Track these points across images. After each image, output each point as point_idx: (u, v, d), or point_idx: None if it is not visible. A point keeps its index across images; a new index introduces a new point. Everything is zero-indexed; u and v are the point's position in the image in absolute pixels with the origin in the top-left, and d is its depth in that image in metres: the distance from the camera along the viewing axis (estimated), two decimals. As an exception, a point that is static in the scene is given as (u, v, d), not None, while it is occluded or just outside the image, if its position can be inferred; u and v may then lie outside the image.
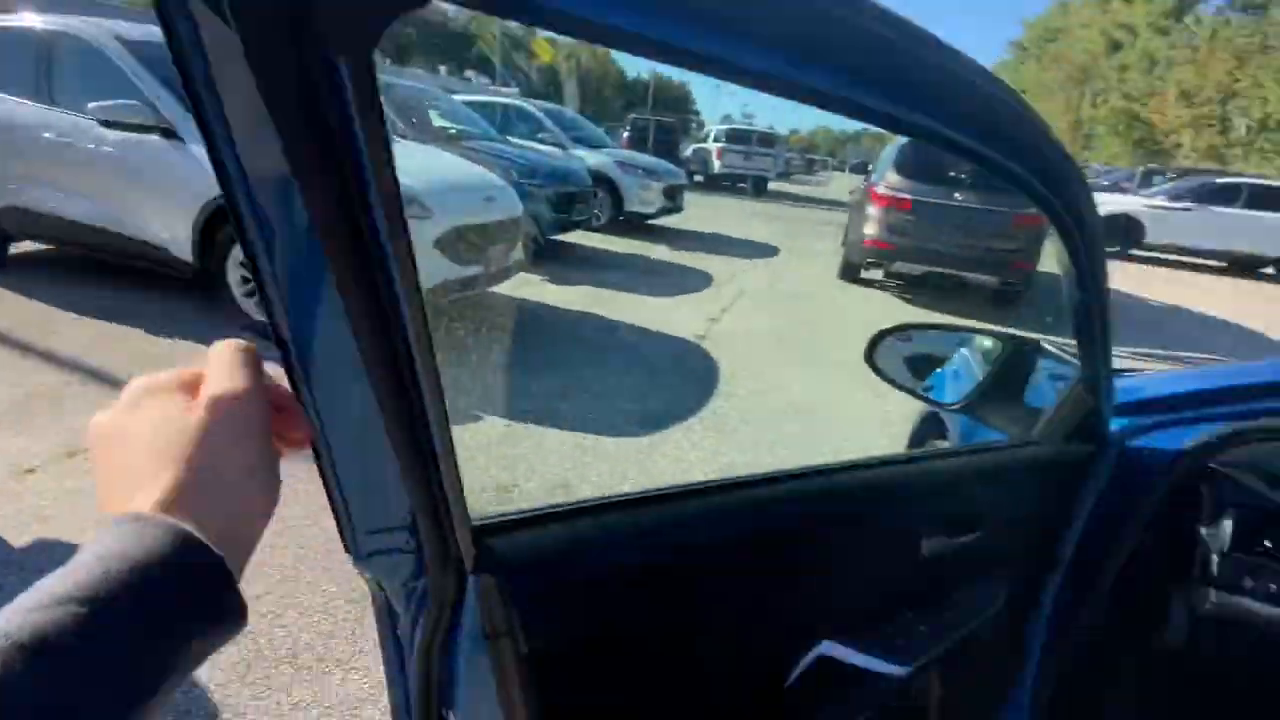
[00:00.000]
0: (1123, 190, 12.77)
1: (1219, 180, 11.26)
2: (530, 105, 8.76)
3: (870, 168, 7.42)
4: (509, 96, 11.05)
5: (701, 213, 10.13)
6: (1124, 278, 9.02)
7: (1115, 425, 0.89)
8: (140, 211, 3.56)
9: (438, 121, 6.39)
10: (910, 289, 6.44)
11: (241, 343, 0.33)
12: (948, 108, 0.48)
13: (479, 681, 0.44)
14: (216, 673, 1.54)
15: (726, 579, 0.59)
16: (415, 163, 4.06)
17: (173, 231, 3.47)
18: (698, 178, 16.49)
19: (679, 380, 3.74)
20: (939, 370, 1.28)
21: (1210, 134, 23.62)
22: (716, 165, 16.45)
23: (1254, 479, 0.89)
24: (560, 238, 6.66)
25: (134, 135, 3.43)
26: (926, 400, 1.15)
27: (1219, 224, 10.49)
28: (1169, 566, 0.91)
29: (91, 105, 3.45)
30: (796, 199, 17.11)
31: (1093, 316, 0.75)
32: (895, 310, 5.88)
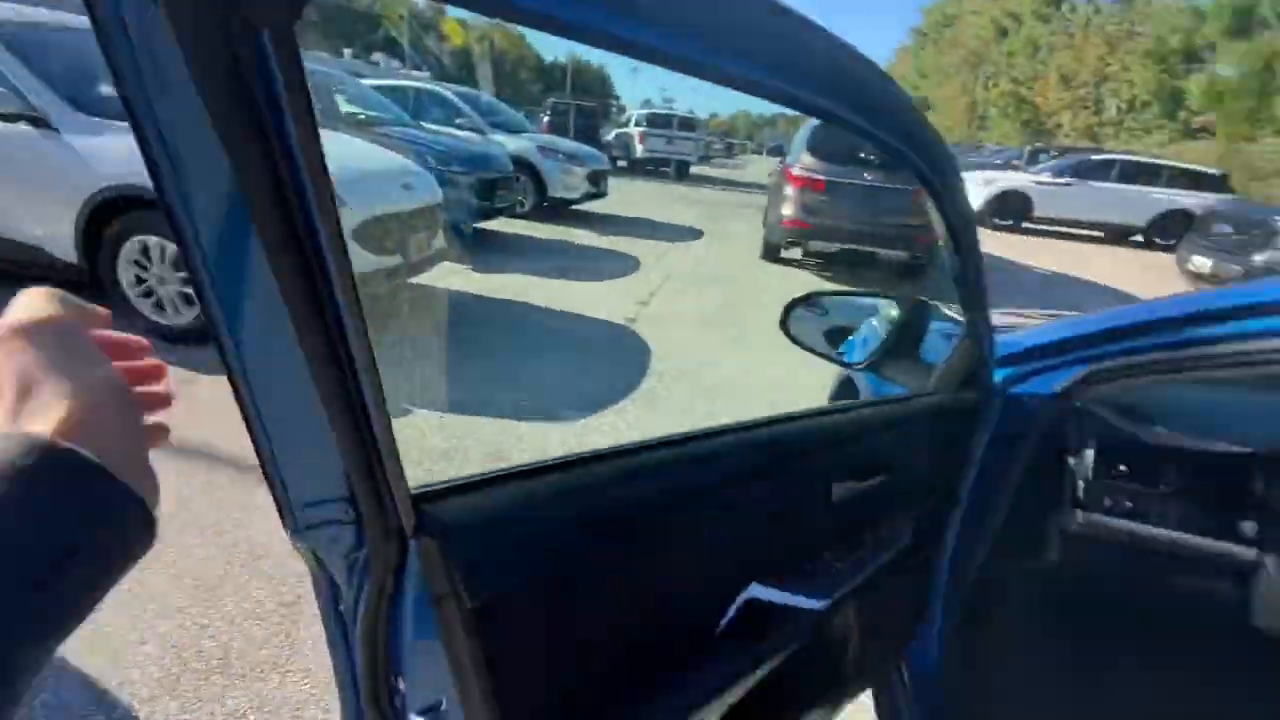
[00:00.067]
0: (1014, 168, 13.74)
1: (1094, 157, 12.34)
2: (444, 89, 8.47)
3: (786, 150, 7.65)
4: (420, 80, 10.63)
5: (626, 197, 10.15)
6: (1015, 249, 9.78)
7: (999, 375, 0.99)
8: (10, 209, 3.22)
9: (345, 107, 6.09)
10: (828, 266, 6.73)
11: (46, 289, 0.35)
12: (833, 88, 0.53)
13: (426, 643, 0.45)
14: (140, 689, 1.47)
15: (659, 533, 0.61)
16: (325, 150, 3.86)
17: (50, 230, 3.16)
18: (621, 162, 16.45)
19: (611, 364, 3.78)
20: (850, 338, 1.38)
21: (1086, 115, 25.80)
22: (639, 150, 16.47)
23: (1109, 412, 1.02)
24: (484, 225, 6.52)
25: (-3, 125, 3.09)
26: (837, 361, 1.24)
27: (1096, 197, 11.52)
28: (1046, 495, 1.03)
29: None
30: (718, 182, 17.40)
31: (969, 278, 0.82)
32: (814, 287, 6.14)
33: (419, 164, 4.42)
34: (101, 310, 0.37)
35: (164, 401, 0.40)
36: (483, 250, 5.98)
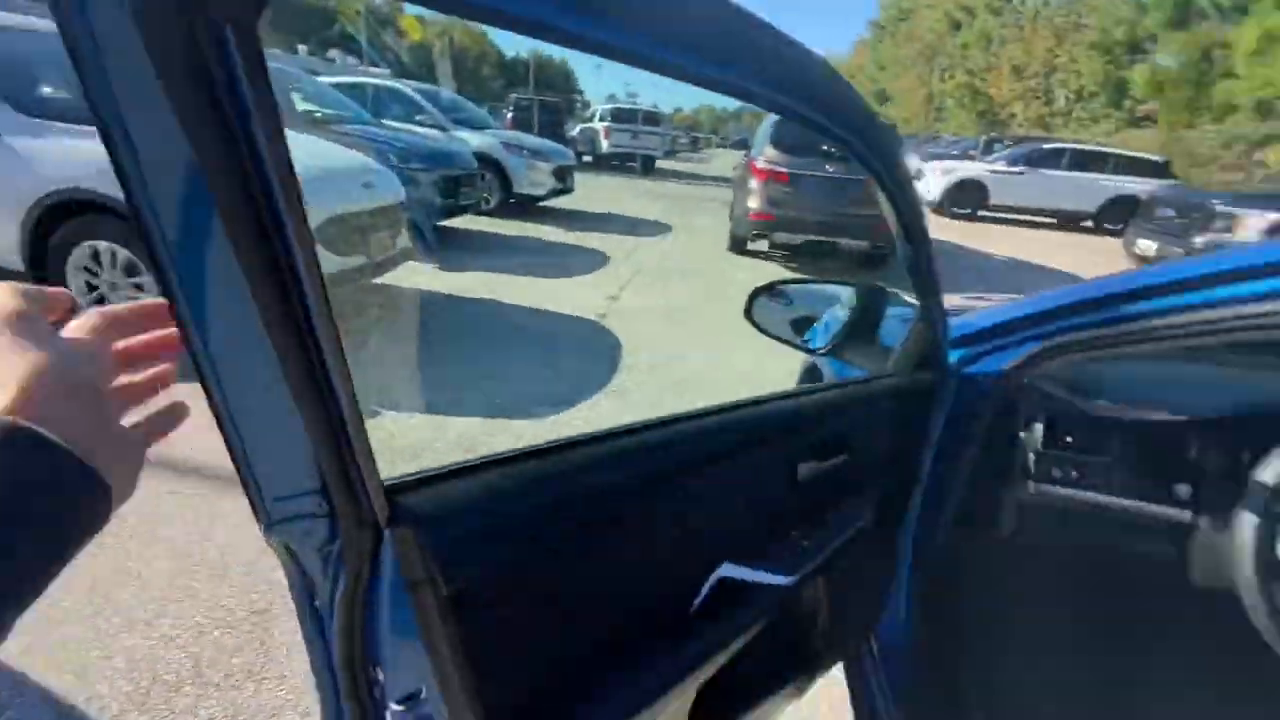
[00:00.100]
0: (970, 158, 14.09)
1: (1045, 146, 12.74)
2: (404, 86, 8.33)
3: (750, 144, 7.72)
4: (379, 77, 10.41)
5: (592, 193, 10.12)
6: (974, 237, 10.06)
7: (954, 355, 1.04)
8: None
9: (302, 105, 5.94)
10: (794, 257, 6.83)
11: (2, 284, 0.35)
12: (782, 83, 0.56)
13: (403, 631, 0.45)
14: (110, 704, 1.44)
15: (632, 516, 0.62)
16: (282, 149, 3.78)
17: (-9, 236, 3.03)
18: (586, 158, 16.38)
19: (582, 359, 3.79)
20: (814, 325, 1.42)
21: (1038, 105, 26.61)
22: (604, 145, 16.42)
23: (1056, 387, 1.07)
24: (449, 223, 6.45)
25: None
26: (800, 347, 1.28)
27: (1048, 185, 11.90)
28: (1000, 468, 1.08)
29: None
30: (684, 176, 17.46)
31: (921, 265, 0.85)
32: (780, 277, 6.23)
33: (380, 162, 4.35)
34: (61, 292, 0.37)
35: (162, 379, 0.40)
36: (448, 248, 5.91)
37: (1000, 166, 12.32)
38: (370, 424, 0.41)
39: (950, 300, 1.20)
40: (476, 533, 0.49)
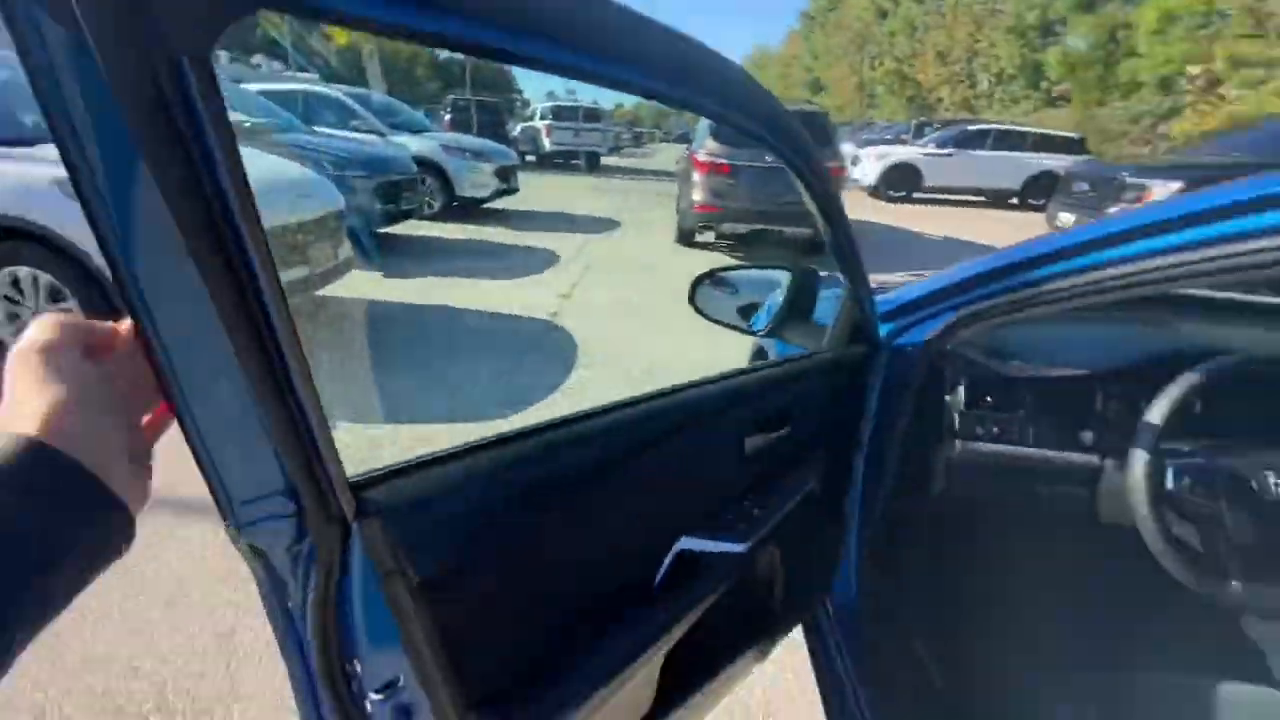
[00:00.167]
0: (902, 142, 14.60)
1: (970, 128, 13.30)
2: (335, 91, 8.08)
3: (691, 137, 7.82)
4: (308, 82, 10.06)
5: (538, 193, 10.06)
6: (909, 218, 10.46)
7: (885, 329, 1.11)
8: None
9: (229, 115, 5.71)
10: (740, 246, 6.98)
11: (49, 315, 0.37)
12: (693, 82, 0.60)
13: (377, 621, 0.46)
14: (70, 740, 1.40)
15: (593, 497, 0.64)
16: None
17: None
18: (530, 157, 16.23)
19: (538, 359, 3.80)
20: (758, 310, 1.49)
21: (963, 89, 27.74)
22: (547, 144, 16.30)
23: (975, 352, 1.17)
24: (393, 230, 6.32)
25: None
26: (744, 331, 1.34)
27: (975, 165, 12.44)
28: (930, 431, 1.16)
29: None
30: (629, 172, 17.49)
31: (841, 242, 0.91)
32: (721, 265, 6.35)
33: (315, 171, 4.24)
34: (99, 324, 0.39)
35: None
36: (393, 255, 5.80)
37: (931, 149, 12.80)
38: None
39: (893, 279, 1.28)
40: (443, 521, 0.50)
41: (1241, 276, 0.68)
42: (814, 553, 1.12)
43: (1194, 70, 16.85)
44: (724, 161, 6.23)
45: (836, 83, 39.07)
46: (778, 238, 6.53)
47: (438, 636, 0.48)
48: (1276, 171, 0.66)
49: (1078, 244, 0.87)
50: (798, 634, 1.22)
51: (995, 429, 1.13)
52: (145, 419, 0.41)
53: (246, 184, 0.33)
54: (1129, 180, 6.46)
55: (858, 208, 10.92)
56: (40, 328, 0.36)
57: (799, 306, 1.21)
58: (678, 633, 0.71)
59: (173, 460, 0.44)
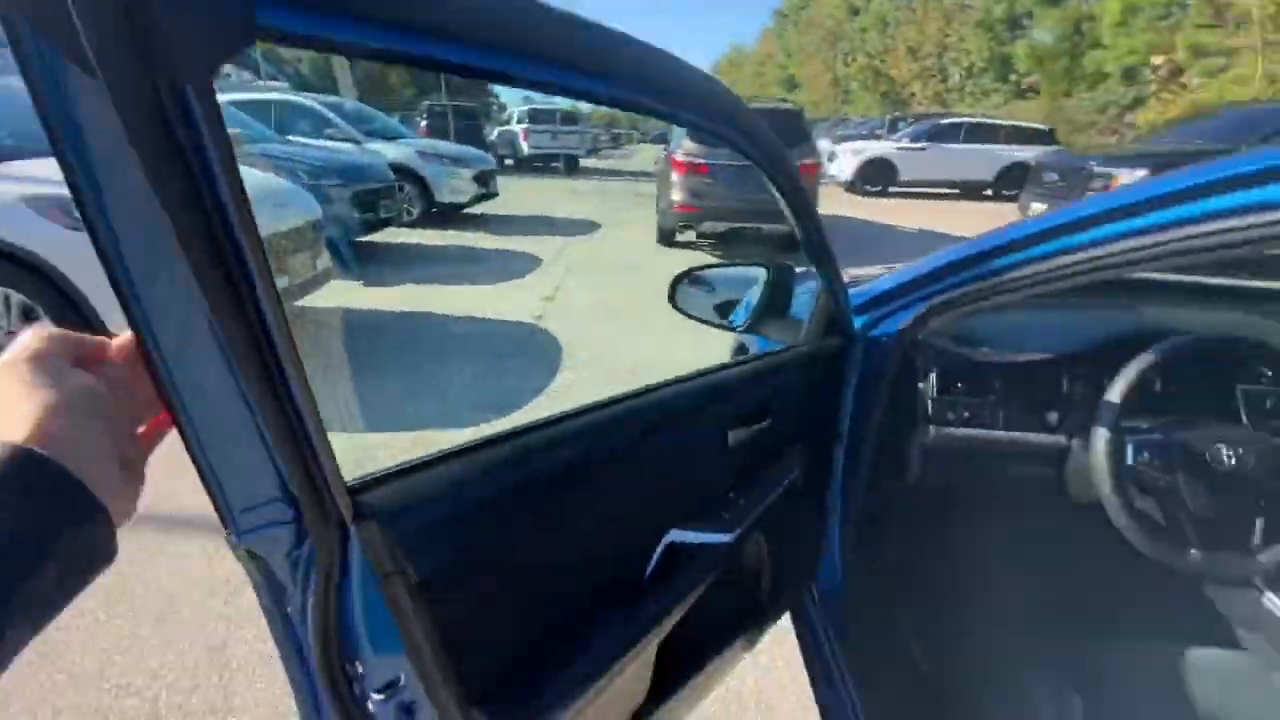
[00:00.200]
0: (877, 137, 14.76)
1: (943, 122, 13.50)
2: (308, 100, 8.01)
3: (669, 138, 7.86)
4: (280, 92, 9.95)
5: (518, 197, 10.04)
6: (886, 212, 10.59)
7: (859, 320, 1.14)
8: None
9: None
10: (720, 245, 7.03)
11: (36, 327, 0.38)
12: (656, 90, 0.62)
13: (377, 622, 0.46)
14: (63, 760, 1.39)
15: (584, 494, 0.64)
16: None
17: None
18: (508, 161, 16.17)
19: (522, 362, 3.80)
20: (736, 307, 1.52)
21: (935, 83, 28.15)
22: (525, 147, 16.25)
23: (946, 340, 1.21)
24: (372, 238, 6.28)
25: None
26: (724, 327, 1.37)
27: (949, 158, 12.63)
28: (906, 418, 1.20)
29: None
30: (608, 173, 17.51)
31: (814, 241, 0.93)
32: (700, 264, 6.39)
33: (291, 180, 4.21)
34: (88, 337, 0.40)
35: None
36: (373, 263, 5.77)
37: (905, 144, 12.96)
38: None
39: (870, 272, 1.31)
40: (438, 522, 0.51)
41: (1193, 259, 0.71)
42: (798, 541, 1.14)
43: (1157, 60, 17.28)
44: (702, 161, 6.28)
45: (811, 79, 39.41)
46: (757, 235, 6.59)
47: (437, 635, 0.48)
48: (1225, 158, 0.68)
49: (1040, 231, 0.89)
50: (786, 622, 1.25)
51: (967, 414, 1.17)
52: (140, 429, 0.41)
53: (246, 200, 0.35)
54: (1096, 169, 6.61)
55: (835, 203, 11.04)
56: (26, 339, 0.37)
57: (776, 302, 1.24)
58: (669, 623, 0.73)
59: (159, 477, 0.45)
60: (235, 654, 1.68)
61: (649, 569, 0.75)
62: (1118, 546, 1.05)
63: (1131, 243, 0.75)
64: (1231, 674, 1.07)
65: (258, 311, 0.36)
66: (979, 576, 1.28)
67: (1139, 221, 0.74)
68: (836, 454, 1.16)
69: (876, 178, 12.79)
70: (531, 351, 3.97)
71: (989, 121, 13.62)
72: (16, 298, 2.80)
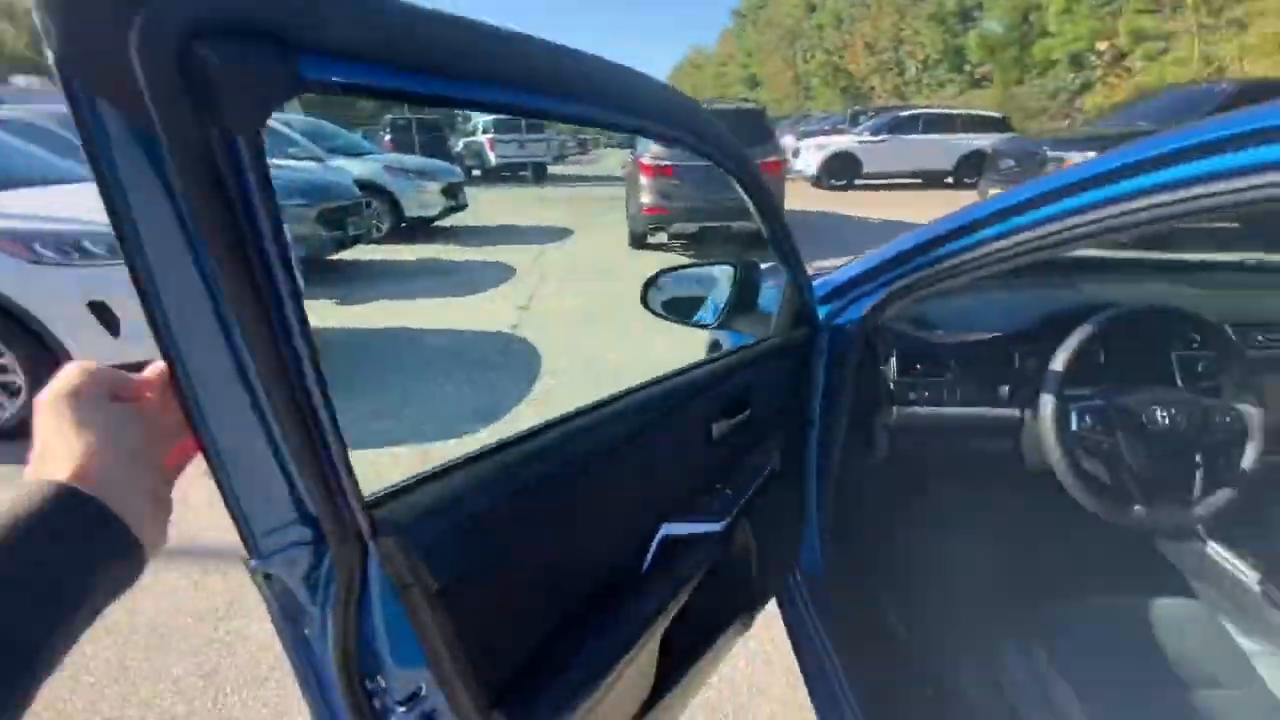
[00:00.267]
0: (840, 132, 14.99)
1: (902, 114, 13.78)
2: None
3: (635, 142, 7.91)
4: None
5: (487, 207, 10.02)
6: (851, 205, 10.78)
7: (823, 310, 1.19)
8: None
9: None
10: (692, 245, 7.09)
11: (78, 363, 0.39)
12: (618, 104, 0.64)
13: (398, 634, 0.47)
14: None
15: (582, 494, 0.66)
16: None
17: None
18: (476, 172, 16.09)
19: (502, 372, 3.81)
20: (704, 306, 1.56)
21: (892, 76, 28.71)
22: (492, 157, 16.17)
23: (904, 324, 1.27)
24: (343, 256, 6.22)
25: None
26: (696, 325, 1.42)
27: (910, 149, 12.88)
28: (871, 401, 1.25)
29: None
30: (577, 179, 17.51)
31: (778, 236, 0.97)
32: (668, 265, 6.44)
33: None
34: (128, 375, 0.41)
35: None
36: (345, 281, 5.72)
37: (867, 137, 13.18)
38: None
39: (839, 263, 1.36)
40: (450, 530, 0.52)
41: (1127, 234, 0.75)
42: (782, 525, 1.18)
43: (1101, 46, 17.87)
44: (668, 164, 6.35)
45: (772, 77, 39.85)
46: (727, 233, 6.67)
47: (456, 641, 0.49)
48: (1149, 139, 0.71)
49: (987, 215, 0.92)
50: (772, 605, 1.29)
51: (926, 393, 1.24)
52: (166, 458, 0.42)
53: (284, 236, 0.37)
54: (1049, 154, 6.85)
55: (802, 198, 11.20)
56: (67, 375, 0.39)
57: (745, 298, 1.29)
58: (671, 614, 0.75)
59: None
60: (228, 677, 1.68)
61: (646, 562, 0.77)
62: (1073, 509, 1.11)
63: (1071, 220, 0.78)
64: (1184, 621, 1.14)
65: (289, 341, 0.38)
66: (947, 545, 1.34)
67: (1075, 201, 0.77)
68: (810, 438, 1.19)
69: (841, 171, 12.99)
70: (510, 360, 3.98)
71: (946, 112, 13.92)
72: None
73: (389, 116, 14.68)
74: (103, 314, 2.75)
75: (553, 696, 0.59)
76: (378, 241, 7.13)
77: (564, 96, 0.57)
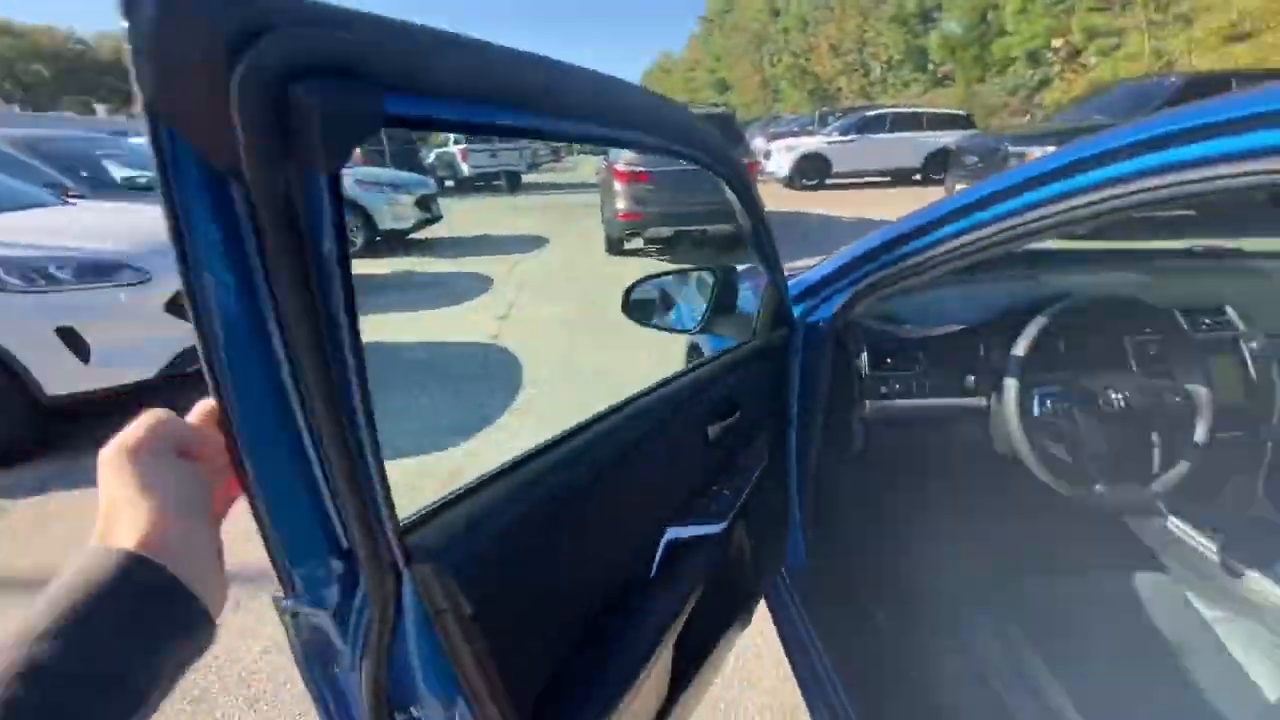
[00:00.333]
0: (809, 133, 15.19)
1: (869, 114, 14.02)
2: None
3: (607, 149, 7.94)
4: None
5: (462, 218, 9.97)
6: (822, 204, 10.94)
7: (798, 310, 1.21)
8: None
9: (120, 172, 5.45)
10: (668, 249, 7.14)
11: (151, 412, 0.38)
12: (604, 117, 0.63)
13: (433, 661, 0.46)
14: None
15: (594, 505, 0.66)
16: (108, 223, 3.50)
17: None
18: (449, 183, 16.00)
19: (483, 383, 3.80)
20: (679, 309, 1.59)
21: (858, 77, 29.22)
22: (465, 168, 16.07)
23: (873, 320, 1.31)
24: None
25: None
26: (678, 331, 1.45)
27: (878, 148, 13.11)
28: (845, 396, 1.29)
29: None
30: (552, 187, 17.51)
31: (761, 238, 0.99)
32: (659, 270, 6.48)
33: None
34: (192, 427, 0.39)
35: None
36: (320, 298, 5.64)
37: (836, 137, 13.38)
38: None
39: (812, 263, 1.39)
40: (477, 552, 0.52)
41: (1088, 225, 0.76)
42: (772, 522, 1.21)
43: (1057, 43, 18.41)
44: (641, 170, 6.39)
45: (741, 81, 40.27)
46: (702, 237, 6.73)
47: (490, 664, 0.49)
48: (1100, 134, 0.74)
49: (949, 212, 0.95)
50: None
51: (897, 386, 1.28)
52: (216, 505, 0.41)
53: (349, 267, 0.36)
54: (1010, 149, 7.03)
55: (775, 199, 11.34)
56: (134, 427, 0.37)
57: (724, 302, 1.33)
58: (683, 616, 0.76)
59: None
60: (219, 703, 1.66)
61: (653, 568, 0.77)
62: (1042, 490, 1.16)
63: (1029, 215, 0.80)
64: (1151, 594, 1.20)
65: (344, 380, 0.38)
66: (924, 532, 1.39)
67: (1034, 195, 0.78)
68: (790, 435, 1.22)
69: (812, 172, 13.17)
70: (491, 371, 3.97)
71: (911, 110, 14.18)
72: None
73: (358, 130, 14.45)
74: (71, 340, 2.70)
75: (582, 712, 0.59)
76: (352, 256, 7.04)
77: (612, 123, 0.59)
